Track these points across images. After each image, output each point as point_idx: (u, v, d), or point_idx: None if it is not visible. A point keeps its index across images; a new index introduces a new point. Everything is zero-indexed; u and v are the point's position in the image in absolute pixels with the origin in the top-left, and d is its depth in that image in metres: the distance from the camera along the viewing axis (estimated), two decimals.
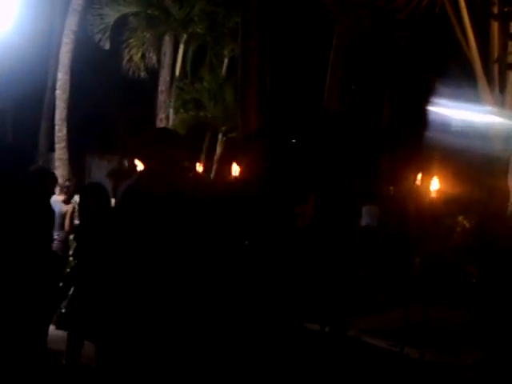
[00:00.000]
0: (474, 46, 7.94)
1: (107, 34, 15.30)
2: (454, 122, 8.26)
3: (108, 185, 17.32)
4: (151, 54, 15.82)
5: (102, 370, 4.26)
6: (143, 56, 15.74)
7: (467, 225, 10.96)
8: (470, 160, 8.71)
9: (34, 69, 16.24)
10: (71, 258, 8.18)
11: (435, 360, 6.94)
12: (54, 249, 5.87)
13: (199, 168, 11.29)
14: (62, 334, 4.97)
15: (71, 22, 14.34)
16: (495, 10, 8.09)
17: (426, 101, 8.98)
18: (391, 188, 15.72)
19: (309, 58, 14.06)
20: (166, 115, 15.69)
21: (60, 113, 14.18)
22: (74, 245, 6.39)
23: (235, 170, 9.42)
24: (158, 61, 15.94)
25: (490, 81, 7.99)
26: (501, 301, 6.46)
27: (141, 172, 3.81)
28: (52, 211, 4.37)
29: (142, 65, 15.74)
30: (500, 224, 7.68)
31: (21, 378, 3.77)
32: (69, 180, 11.06)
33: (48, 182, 6.15)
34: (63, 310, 5.02)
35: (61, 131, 14.15)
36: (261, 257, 4.17)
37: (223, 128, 15.29)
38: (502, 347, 5.96)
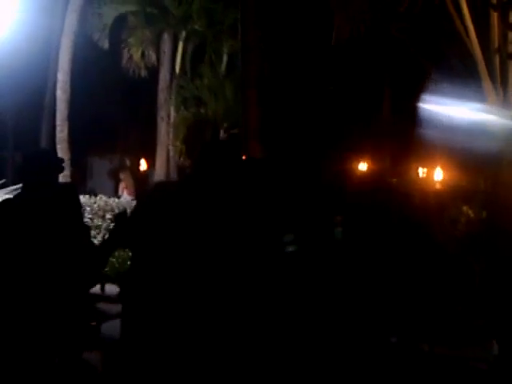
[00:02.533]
0: (474, 37, 7.91)
1: (106, 33, 15.31)
2: (455, 115, 8.25)
3: (109, 184, 17.37)
4: (151, 53, 15.83)
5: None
6: (143, 55, 15.76)
7: (472, 215, 10.95)
8: (474, 151, 8.69)
9: (34, 70, 16.25)
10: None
11: (445, 353, 6.95)
12: None
13: None
14: None
15: (70, 23, 14.33)
16: (494, 0, 8.08)
17: (426, 93, 8.95)
18: (394, 180, 15.71)
19: (308, 53, 14.06)
20: (167, 113, 15.70)
21: (61, 113, 14.18)
22: None
23: None
24: (158, 59, 15.95)
25: (490, 71, 7.97)
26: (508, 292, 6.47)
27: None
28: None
29: (141, 63, 15.76)
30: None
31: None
32: None
33: None
34: None
35: (62, 132, 14.15)
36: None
37: (225, 124, 15.30)
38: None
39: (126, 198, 12.25)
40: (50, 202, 3.96)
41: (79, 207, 4.37)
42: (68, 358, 4.11)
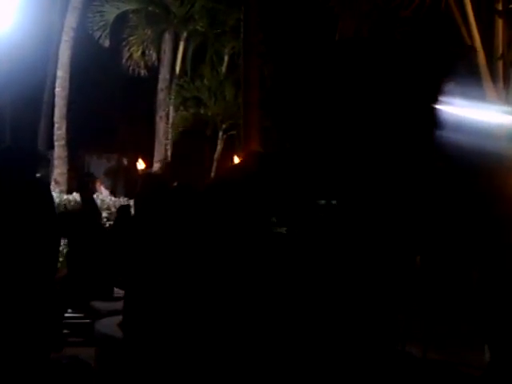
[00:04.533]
0: (479, 43, 7.93)
1: (107, 31, 15.27)
2: (457, 120, 8.21)
3: (106, 182, 17.32)
4: (151, 52, 15.78)
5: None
6: (143, 54, 15.71)
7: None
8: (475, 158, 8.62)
9: (34, 67, 16.19)
10: None
11: (438, 359, 6.90)
12: None
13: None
14: None
15: (71, 20, 14.28)
16: (499, 6, 8.09)
17: (430, 98, 8.91)
18: None
19: (311, 55, 14.01)
20: (166, 113, 15.64)
21: (59, 111, 14.11)
22: None
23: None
24: (158, 58, 15.90)
25: (494, 77, 7.97)
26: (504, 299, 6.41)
27: None
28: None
29: (141, 62, 15.72)
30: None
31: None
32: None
33: None
34: None
35: (60, 129, 14.08)
36: None
37: (224, 126, 15.27)
38: (507, 347, 5.90)
39: (104, 193, 12.39)
40: (19, 197, 3.87)
41: (51, 203, 4.30)
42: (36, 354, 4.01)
